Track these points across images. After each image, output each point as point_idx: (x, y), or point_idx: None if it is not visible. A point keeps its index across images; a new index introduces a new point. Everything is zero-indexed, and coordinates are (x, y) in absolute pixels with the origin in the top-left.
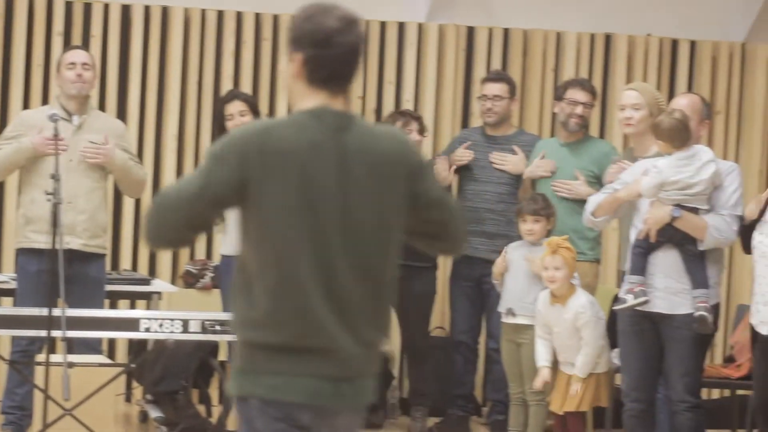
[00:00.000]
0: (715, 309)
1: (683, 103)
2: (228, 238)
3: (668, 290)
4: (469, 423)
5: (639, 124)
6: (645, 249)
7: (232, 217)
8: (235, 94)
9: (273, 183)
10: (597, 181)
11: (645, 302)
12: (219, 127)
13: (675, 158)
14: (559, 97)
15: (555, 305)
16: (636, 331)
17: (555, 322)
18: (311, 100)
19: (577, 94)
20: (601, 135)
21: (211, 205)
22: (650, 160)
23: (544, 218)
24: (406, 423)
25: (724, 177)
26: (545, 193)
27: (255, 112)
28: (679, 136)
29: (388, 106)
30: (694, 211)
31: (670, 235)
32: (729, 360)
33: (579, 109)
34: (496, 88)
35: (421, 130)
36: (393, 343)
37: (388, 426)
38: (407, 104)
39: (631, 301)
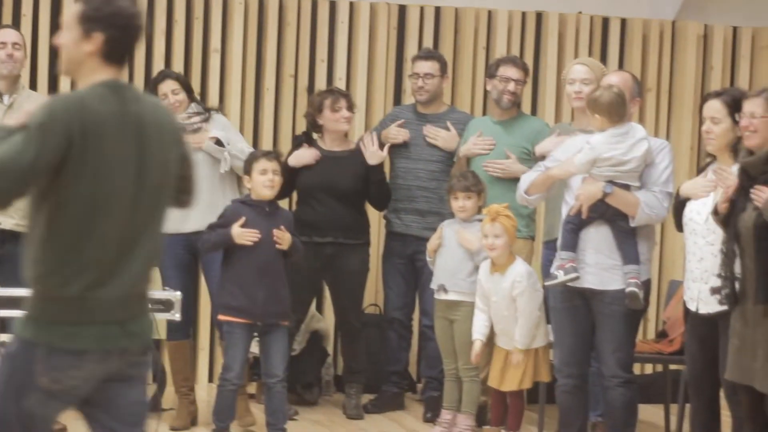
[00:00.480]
0: (646, 285)
1: (614, 80)
2: None
3: (599, 266)
4: (404, 399)
5: None
6: (576, 225)
7: None
8: (166, 74)
9: (88, 150)
10: (530, 158)
11: (575, 278)
12: None
13: (609, 135)
14: (491, 74)
15: (494, 274)
16: (567, 308)
17: (493, 291)
18: (102, 74)
19: (510, 71)
20: (533, 112)
21: (41, 173)
22: (583, 136)
23: (476, 194)
24: (341, 400)
25: (655, 154)
26: (478, 173)
27: (188, 90)
28: (617, 111)
29: (320, 85)
30: (626, 187)
31: (602, 212)
32: (661, 335)
33: (511, 86)
34: (427, 66)
35: (350, 107)
36: (327, 320)
37: (322, 403)
38: (339, 82)
39: (561, 277)
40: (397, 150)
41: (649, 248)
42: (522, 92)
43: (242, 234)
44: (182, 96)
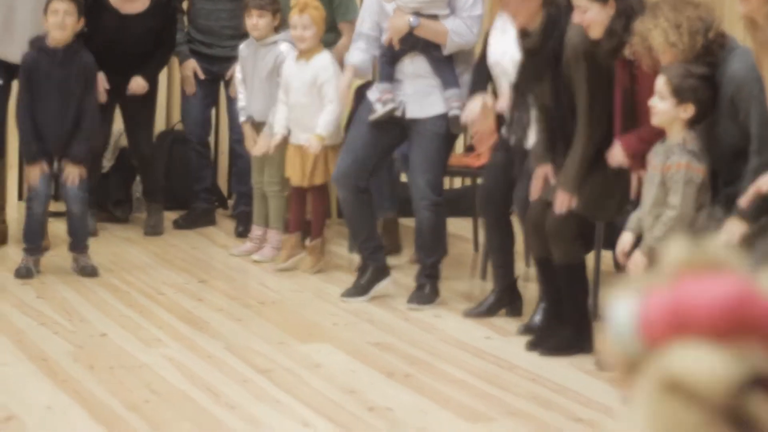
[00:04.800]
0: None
1: None
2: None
3: (418, 94)
4: (215, 215)
5: None
6: (390, 57)
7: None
8: None
9: None
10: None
11: (394, 109)
12: None
13: None
14: None
15: (299, 61)
16: (371, 122)
17: (295, 77)
18: None
19: None
20: None
21: None
22: None
23: (270, 13)
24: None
25: None
26: None
27: None
28: None
29: None
30: (434, 17)
31: (413, 43)
32: (469, 149)
33: None
34: None
35: None
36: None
37: (133, 220)
38: None
39: (380, 110)
40: None
41: (468, 70)
42: None
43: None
44: None
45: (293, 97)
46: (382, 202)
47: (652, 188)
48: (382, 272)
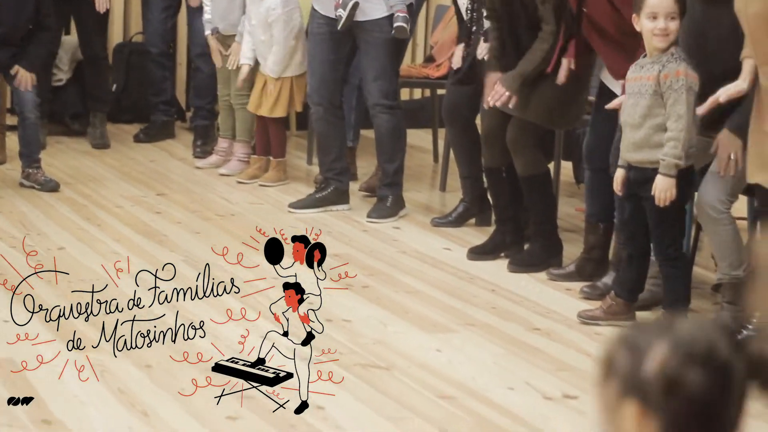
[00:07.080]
0: (409, 10)
1: None
2: None
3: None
4: (174, 128)
5: None
6: None
7: None
8: None
9: None
10: None
11: (356, 4)
12: None
13: None
14: None
15: None
16: (322, 33)
17: (253, 14)
18: None
19: None
20: None
21: None
22: None
23: None
24: (111, 130)
25: None
26: None
27: None
28: None
29: None
30: None
31: None
32: (429, 60)
33: None
34: None
35: None
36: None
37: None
38: None
39: (344, 13)
40: None
41: None
42: None
43: None
44: None
45: (254, 35)
46: (347, 131)
47: (642, 99)
48: (342, 196)
